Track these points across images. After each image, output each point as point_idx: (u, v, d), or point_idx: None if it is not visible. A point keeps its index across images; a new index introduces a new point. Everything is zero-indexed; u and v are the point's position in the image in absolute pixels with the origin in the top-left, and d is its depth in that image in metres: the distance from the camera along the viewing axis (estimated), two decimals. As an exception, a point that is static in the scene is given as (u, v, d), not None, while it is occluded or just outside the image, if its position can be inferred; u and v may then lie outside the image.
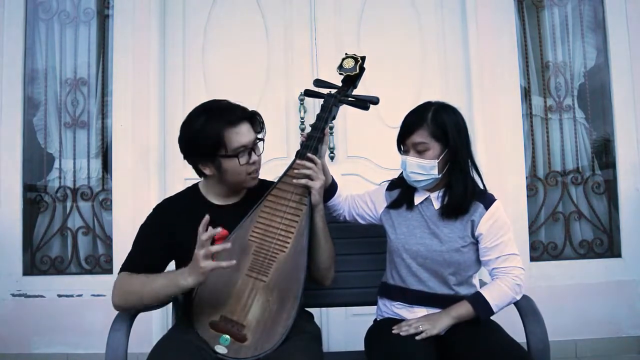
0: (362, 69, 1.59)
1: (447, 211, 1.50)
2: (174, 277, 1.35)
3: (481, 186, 1.56)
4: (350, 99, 1.58)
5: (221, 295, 1.38)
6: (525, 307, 1.49)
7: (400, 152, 1.54)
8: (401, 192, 1.60)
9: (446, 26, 2.71)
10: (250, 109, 1.51)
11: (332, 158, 2.63)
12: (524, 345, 1.41)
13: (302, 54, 2.70)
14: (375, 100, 1.54)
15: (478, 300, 1.44)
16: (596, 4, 2.73)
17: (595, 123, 2.75)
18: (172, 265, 1.57)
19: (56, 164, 2.80)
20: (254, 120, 1.50)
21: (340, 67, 1.59)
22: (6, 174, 2.69)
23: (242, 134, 1.45)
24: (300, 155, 1.48)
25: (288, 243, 1.40)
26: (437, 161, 1.47)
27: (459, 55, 2.68)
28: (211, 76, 2.72)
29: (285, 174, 1.49)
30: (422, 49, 2.70)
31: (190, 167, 1.58)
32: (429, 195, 1.55)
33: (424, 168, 1.47)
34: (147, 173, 2.63)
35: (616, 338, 2.52)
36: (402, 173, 1.58)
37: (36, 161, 2.81)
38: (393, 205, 1.59)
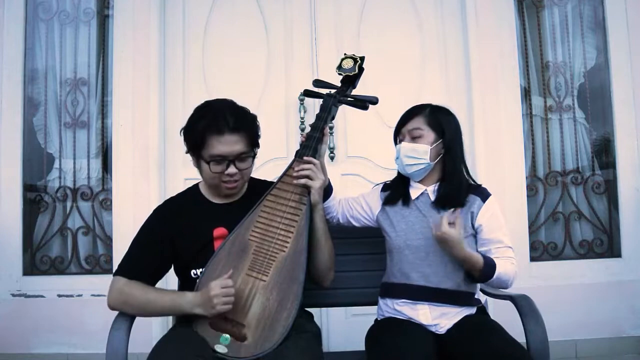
0: (361, 69, 1.60)
1: (443, 201, 1.52)
2: (180, 303, 1.38)
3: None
4: (349, 99, 1.58)
5: None
6: (525, 307, 1.49)
7: (396, 145, 1.58)
8: (397, 187, 1.61)
9: (446, 26, 2.71)
10: (249, 120, 1.48)
11: (332, 158, 2.63)
12: (524, 345, 1.41)
13: (302, 54, 2.70)
14: (374, 101, 1.55)
15: (489, 262, 1.45)
16: (596, 4, 2.74)
17: (595, 123, 2.75)
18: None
19: (56, 164, 2.81)
20: (249, 133, 1.46)
21: (340, 67, 1.60)
22: (6, 174, 2.69)
23: (224, 143, 1.42)
24: (299, 155, 1.49)
25: (288, 242, 1.40)
26: (430, 147, 1.51)
27: (459, 55, 2.68)
28: (211, 76, 2.72)
29: (284, 173, 1.49)
30: (422, 49, 2.70)
31: (190, 167, 1.59)
32: (425, 190, 1.56)
33: (417, 152, 1.51)
34: (147, 173, 2.63)
35: (616, 338, 2.52)
36: (396, 176, 1.62)
37: (36, 161, 2.81)
38: (389, 201, 1.60)
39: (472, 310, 1.53)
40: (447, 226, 1.38)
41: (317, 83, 1.62)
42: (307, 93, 1.64)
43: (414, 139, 1.52)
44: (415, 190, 1.58)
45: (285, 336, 1.34)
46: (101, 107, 2.81)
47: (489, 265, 1.44)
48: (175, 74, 2.74)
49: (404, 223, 1.55)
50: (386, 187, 1.66)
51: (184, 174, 2.59)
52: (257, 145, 1.52)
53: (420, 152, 1.51)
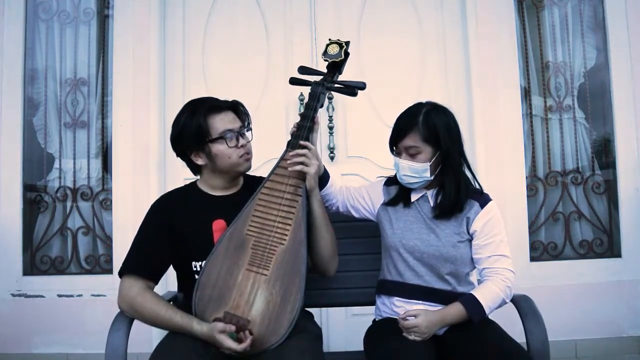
0: (346, 54, 1.56)
1: (441, 211, 1.51)
2: (189, 327, 1.36)
3: (476, 185, 1.57)
4: (337, 85, 1.56)
5: (222, 291, 1.38)
6: (525, 307, 1.49)
7: (393, 154, 1.55)
8: (397, 190, 1.60)
9: (446, 26, 2.71)
10: (236, 102, 1.57)
11: (332, 158, 2.63)
12: (524, 345, 1.41)
13: (302, 54, 2.69)
14: (362, 86, 1.53)
15: (471, 303, 1.44)
16: (596, 3, 2.73)
17: (595, 123, 2.75)
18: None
19: (56, 164, 2.81)
20: (238, 110, 1.56)
21: (325, 53, 1.57)
22: (6, 174, 2.69)
23: (226, 120, 1.51)
24: (291, 145, 1.47)
25: (286, 235, 1.39)
26: (429, 164, 1.48)
27: (459, 55, 2.68)
28: (211, 76, 2.72)
29: (277, 165, 1.48)
30: (422, 48, 2.70)
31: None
32: (425, 193, 1.56)
33: (417, 171, 1.49)
34: (147, 173, 2.64)
35: (616, 338, 2.52)
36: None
37: (36, 161, 2.81)
38: (390, 203, 1.59)
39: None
40: (411, 324, 1.39)
41: (303, 70, 1.60)
42: (293, 81, 1.60)
43: (412, 156, 1.49)
44: (416, 193, 1.57)
45: (287, 336, 1.34)
46: (101, 107, 2.81)
47: (475, 310, 1.43)
48: (175, 74, 2.74)
49: (402, 222, 1.55)
50: (389, 181, 1.65)
51: (184, 174, 2.58)
52: (250, 122, 1.58)
53: (420, 171, 1.49)
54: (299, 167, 1.44)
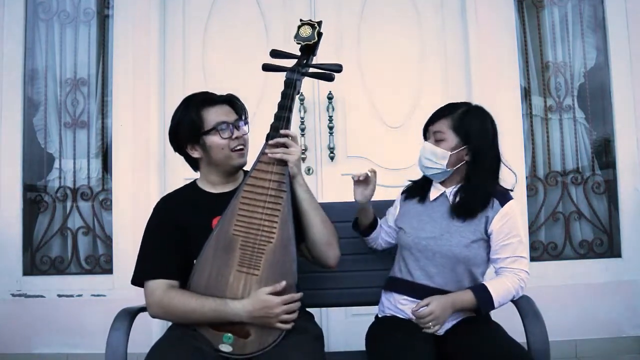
0: (319, 35, 1.49)
1: (457, 211, 1.49)
2: (224, 312, 1.34)
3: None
4: (313, 70, 1.51)
5: (214, 294, 1.37)
6: (525, 307, 1.49)
7: (425, 140, 1.57)
8: (418, 183, 1.62)
9: (446, 26, 2.71)
10: (232, 95, 1.57)
11: (332, 158, 2.63)
12: (524, 345, 1.41)
13: (302, 54, 2.69)
14: (338, 69, 1.48)
15: (482, 293, 1.43)
16: (596, 3, 2.73)
17: (595, 123, 2.75)
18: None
19: (56, 164, 2.81)
20: (234, 104, 1.55)
21: (297, 35, 1.49)
22: (6, 174, 2.69)
23: (220, 112, 1.50)
24: (271, 138, 1.44)
25: (274, 233, 1.37)
26: (449, 153, 1.48)
27: (459, 55, 2.68)
28: (211, 76, 2.72)
29: (258, 161, 1.45)
30: (422, 49, 2.70)
31: (190, 167, 1.59)
32: (445, 192, 1.55)
33: (435, 155, 1.49)
34: (147, 173, 2.64)
35: (616, 338, 2.52)
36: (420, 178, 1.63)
37: (36, 161, 2.81)
38: (408, 196, 1.61)
39: (472, 312, 1.52)
40: (425, 312, 1.39)
41: (275, 54, 1.55)
42: (267, 67, 1.55)
43: (437, 141, 1.50)
44: (435, 191, 1.56)
45: (286, 336, 1.34)
46: (101, 107, 2.81)
47: (485, 300, 1.43)
48: (175, 74, 2.74)
49: (416, 221, 1.55)
50: (405, 190, 1.66)
51: (184, 174, 2.57)
52: (247, 116, 1.57)
53: (439, 157, 1.48)
54: (278, 156, 1.42)
